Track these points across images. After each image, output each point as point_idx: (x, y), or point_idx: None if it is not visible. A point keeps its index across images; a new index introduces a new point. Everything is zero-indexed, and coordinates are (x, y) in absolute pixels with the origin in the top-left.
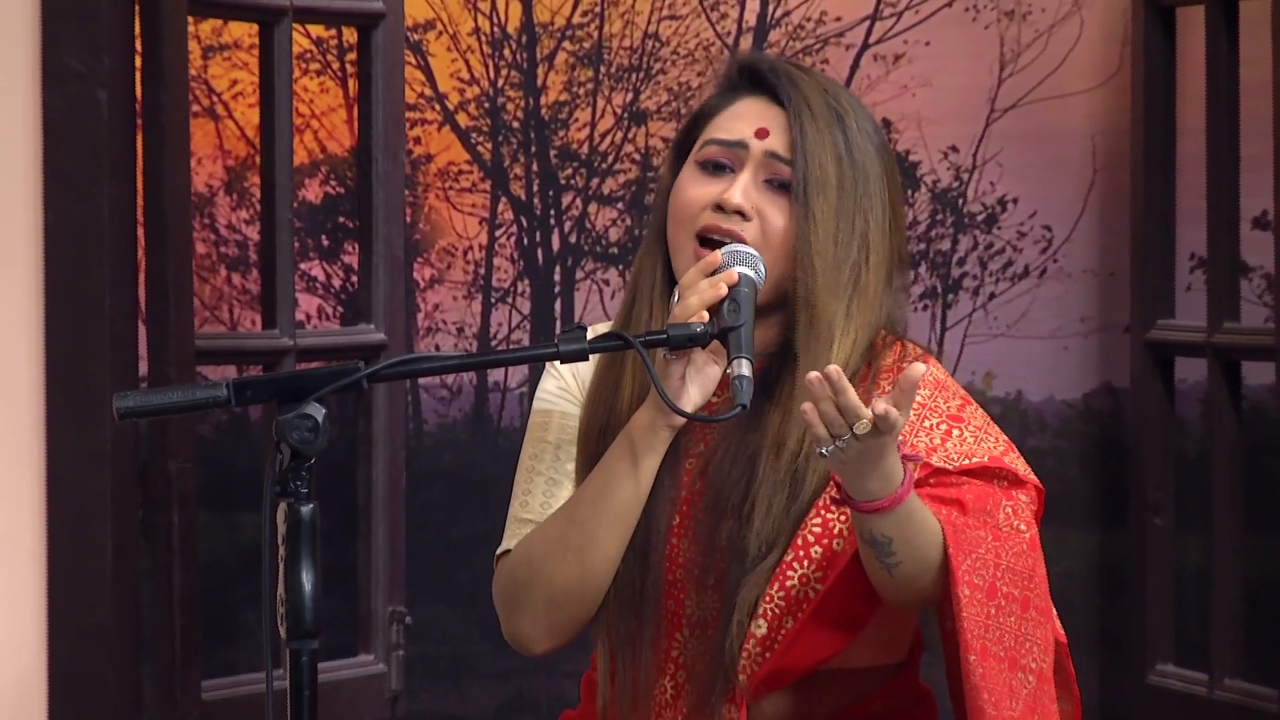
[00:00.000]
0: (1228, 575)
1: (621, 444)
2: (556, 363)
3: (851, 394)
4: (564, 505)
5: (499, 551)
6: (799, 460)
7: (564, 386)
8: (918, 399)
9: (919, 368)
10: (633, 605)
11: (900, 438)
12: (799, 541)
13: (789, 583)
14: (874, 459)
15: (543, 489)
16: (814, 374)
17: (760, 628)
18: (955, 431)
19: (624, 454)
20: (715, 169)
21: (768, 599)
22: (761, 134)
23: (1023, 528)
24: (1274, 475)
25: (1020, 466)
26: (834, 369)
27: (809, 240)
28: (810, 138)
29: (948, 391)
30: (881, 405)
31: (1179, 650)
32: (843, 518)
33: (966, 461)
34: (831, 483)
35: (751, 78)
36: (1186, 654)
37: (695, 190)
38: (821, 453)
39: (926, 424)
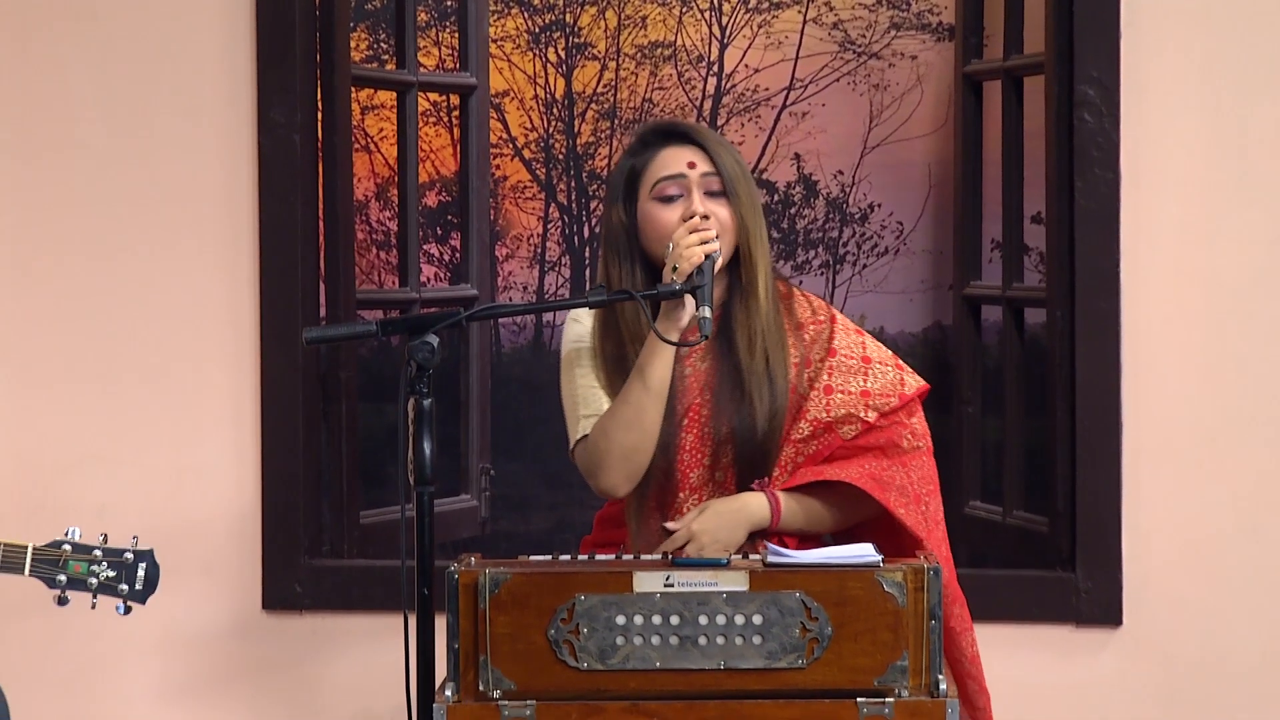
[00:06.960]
0: (1013, 443)
1: (642, 356)
2: (581, 317)
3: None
4: (618, 397)
5: (575, 439)
6: (768, 356)
7: (581, 334)
8: (841, 350)
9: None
10: (657, 479)
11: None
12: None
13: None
14: (728, 531)
15: (593, 396)
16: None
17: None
18: (870, 371)
19: (642, 363)
20: (667, 199)
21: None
22: (692, 165)
23: (919, 444)
24: (1042, 380)
25: (909, 381)
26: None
27: (744, 217)
28: (723, 157)
29: (849, 332)
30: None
31: (983, 492)
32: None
33: (887, 406)
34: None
35: (665, 135)
36: (988, 494)
37: (664, 216)
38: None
39: (850, 366)
